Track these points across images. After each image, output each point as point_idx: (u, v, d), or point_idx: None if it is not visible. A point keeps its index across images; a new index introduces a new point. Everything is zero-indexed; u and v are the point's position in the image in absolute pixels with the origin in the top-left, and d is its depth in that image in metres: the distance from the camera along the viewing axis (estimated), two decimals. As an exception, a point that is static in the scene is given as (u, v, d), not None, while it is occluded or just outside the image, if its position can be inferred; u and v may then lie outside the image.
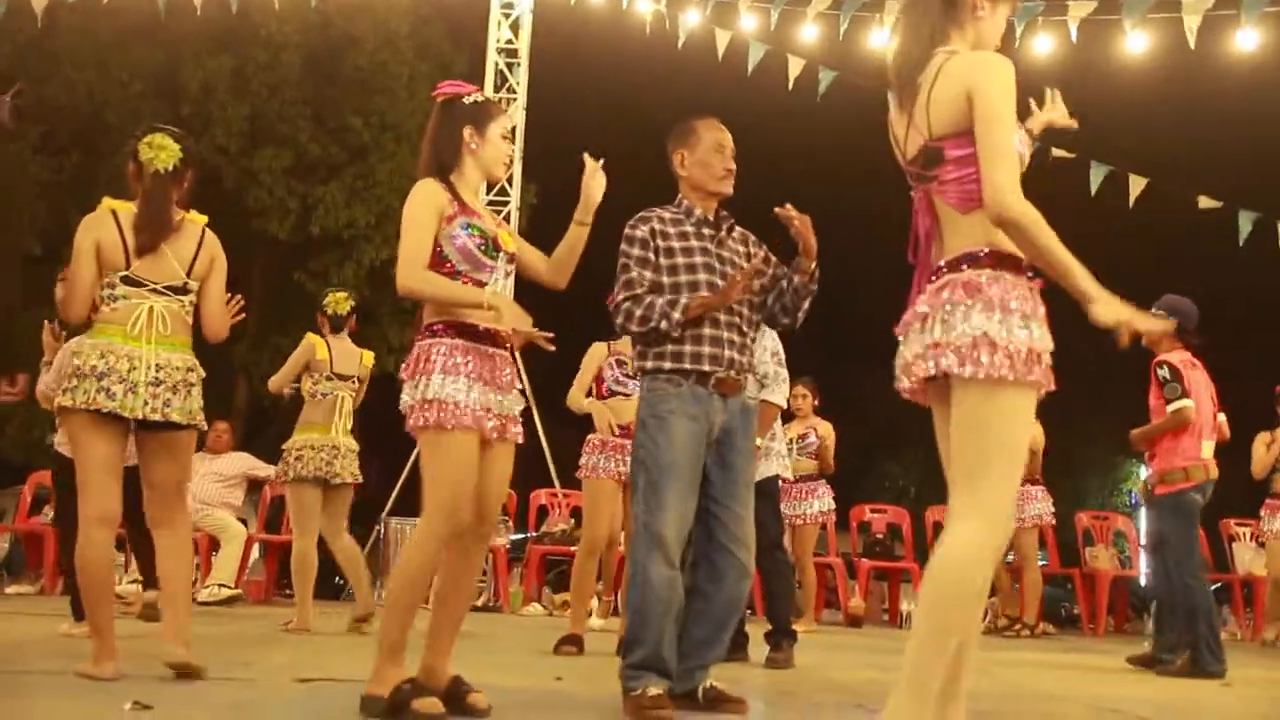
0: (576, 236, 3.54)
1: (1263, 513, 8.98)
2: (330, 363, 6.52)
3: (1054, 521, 9.28)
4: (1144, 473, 7.65)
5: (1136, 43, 9.41)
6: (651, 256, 3.67)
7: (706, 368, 3.56)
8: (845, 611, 9.99)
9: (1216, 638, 5.80)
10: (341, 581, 12.23)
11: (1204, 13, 8.57)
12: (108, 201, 3.97)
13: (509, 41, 11.65)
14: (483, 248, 3.30)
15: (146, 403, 3.76)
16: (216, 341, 4.19)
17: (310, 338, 6.55)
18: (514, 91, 11.57)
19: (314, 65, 15.86)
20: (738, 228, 3.82)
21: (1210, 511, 10.47)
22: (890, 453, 28.15)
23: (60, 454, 5.78)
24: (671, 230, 3.70)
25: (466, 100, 3.42)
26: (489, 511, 3.39)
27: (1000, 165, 2.37)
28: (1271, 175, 13.03)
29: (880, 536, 10.36)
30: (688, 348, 3.57)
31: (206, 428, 4.12)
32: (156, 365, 3.81)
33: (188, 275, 3.97)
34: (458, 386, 3.18)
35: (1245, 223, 9.55)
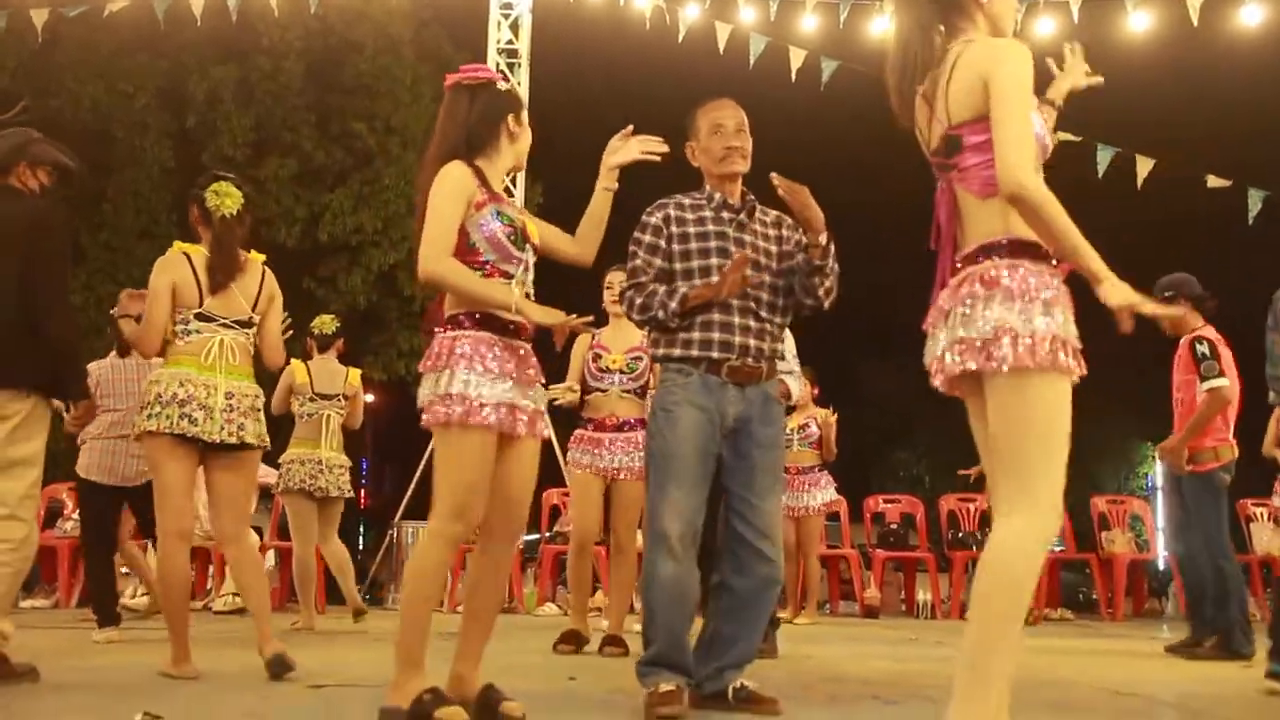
0: (600, 205, 3.42)
1: (1277, 488, 8.89)
2: (311, 385, 7.02)
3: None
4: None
5: (1139, 22, 9.36)
6: (662, 244, 3.62)
7: (715, 355, 3.50)
8: (861, 603, 9.96)
9: (1248, 619, 5.77)
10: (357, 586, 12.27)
11: (1206, -10, 8.51)
12: (178, 245, 4.40)
13: (509, 42, 11.62)
14: (512, 237, 3.18)
15: (223, 427, 4.17)
16: (275, 369, 4.64)
17: (291, 364, 6.93)
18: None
19: (317, 72, 15.87)
20: (772, 211, 3.72)
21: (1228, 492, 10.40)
22: (903, 442, 28.09)
23: (83, 479, 6.03)
24: (690, 216, 3.64)
25: (502, 86, 3.33)
26: (516, 512, 3.26)
27: (1012, 144, 2.34)
28: (1279, 151, 12.95)
29: (894, 526, 10.31)
30: (696, 335, 3.52)
31: (270, 447, 4.47)
32: (229, 392, 4.23)
33: (252, 310, 4.39)
34: (483, 381, 3.05)
35: (1254, 201, 9.49)
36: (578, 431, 5.81)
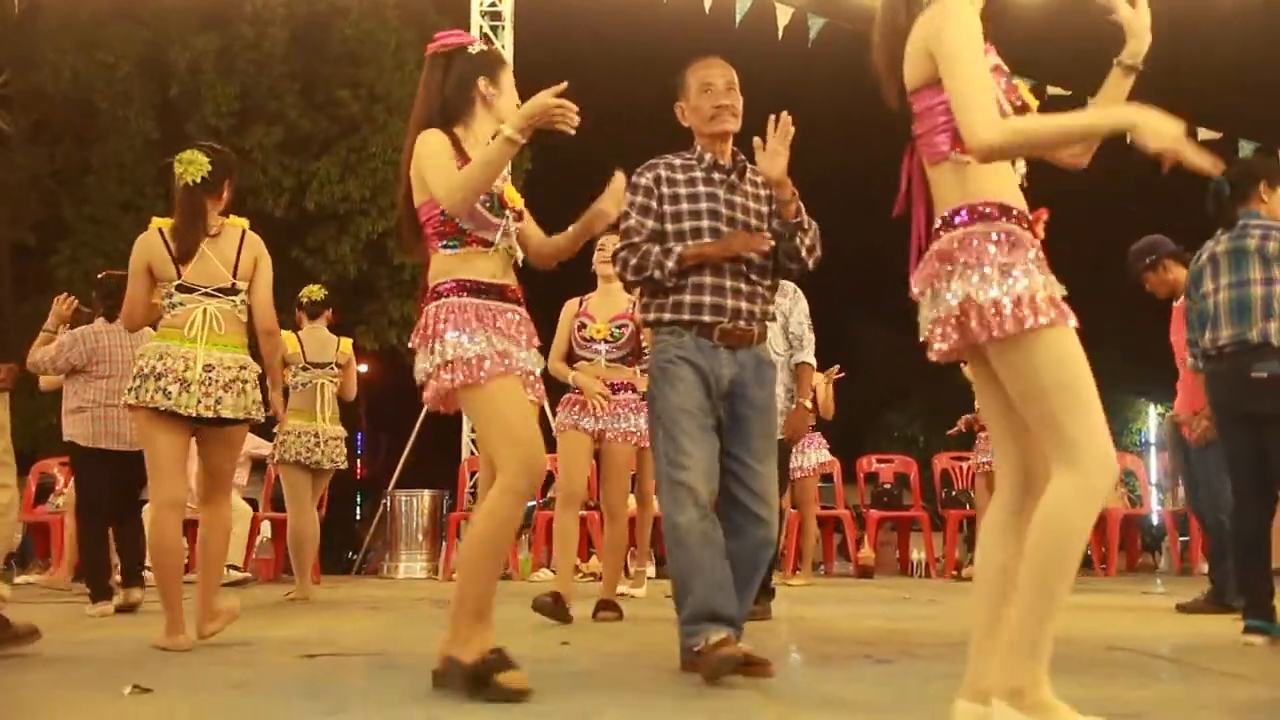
0: (577, 239, 3.33)
1: None
2: (303, 353, 7.03)
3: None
4: (1151, 411, 7.59)
5: (1128, -26, 9.26)
6: (654, 204, 3.60)
7: (706, 318, 3.48)
8: (855, 563, 9.98)
9: None
10: (353, 556, 12.34)
11: (1197, -61, 8.43)
12: (156, 221, 4.40)
13: (492, 4, 11.50)
14: (488, 205, 3.11)
15: (200, 400, 4.14)
16: (268, 334, 4.57)
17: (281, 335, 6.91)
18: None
19: (300, 39, 15.68)
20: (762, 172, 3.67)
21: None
22: (896, 404, 28.13)
23: (75, 444, 5.99)
24: (680, 176, 3.62)
25: (472, 50, 3.26)
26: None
27: (966, 105, 2.29)
28: (1271, 103, 12.87)
29: (888, 486, 10.33)
30: (687, 298, 3.50)
31: (264, 419, 4.48)
32: (208, 364, 4.18)
33: (234, 276, 4.34)
34: (475, 340, 3.00)
35: (1246, 152, 9.45)
36: (566, 395, 5.75)
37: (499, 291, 3.14)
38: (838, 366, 8.26)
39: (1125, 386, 26.75)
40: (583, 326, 5.67)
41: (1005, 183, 2.41)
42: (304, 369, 7.00)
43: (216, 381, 4.19)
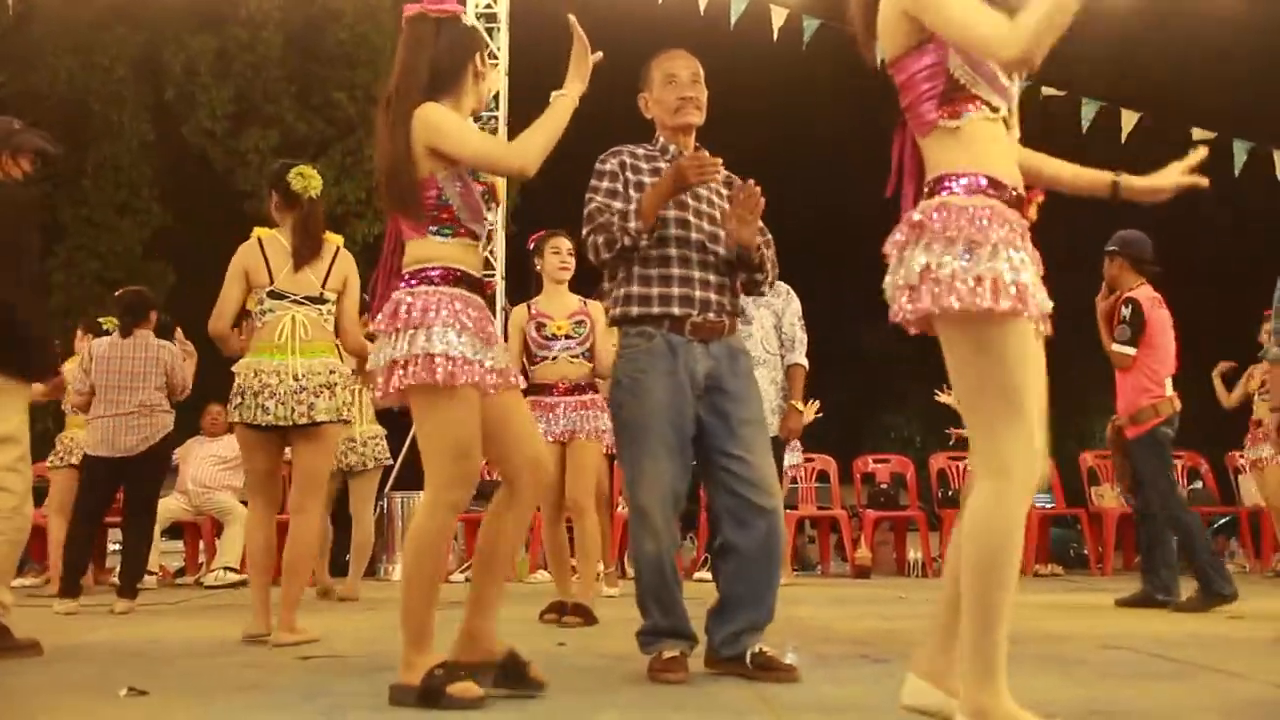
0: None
1: (1246, 441, 8.92)
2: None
3: None
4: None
5: (1122, -25, 9.29)
6: (621, 188, 3.53)
7: (676, 311, 3.43)
8: (852, 563, 9.97)
9: (1218, 560, 5.91)
10: (348, 559, 12.29)
11: (1190, -60, 8.45)
12: (258, 230, 4.64)
13: (488, 5, 11.49)
14: (485, 196, 3.06)
15: (294, 409, 4.39)
16: (357, 353, 4.73)
17: None
18: (494, 57, 11.41)
19: (296, 42, 15.70)
20: (723, 170, 3.60)
21: (1215, 445, 10.45)
22: (893, 405, 28.16)
23: (87, 455, 6.29)
24: (644, 165, 3.58)
25: (467, 23, 3.19)
26: (540, 456, 3.13)
27: (973, 30, 2.18)
28: (1264, 102, 12.90)
29: (884, 486, 10.32)
30: (655, 290, 3.45)
31: (350, 420, 4.66)
32: (299, 374, 4.42)
33: (323, 287, 4.58)
34: (462, 340, 2.91)
35: (1240, 152, 9.47)
36: (530, 399, 5.65)
37: (479, 287, 3.07)
38: (818, 405, 8.30)
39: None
40: (541, 326, 5.57)
41: (999, 155, 2.33)
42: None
43: (307, 389, 4.43)
